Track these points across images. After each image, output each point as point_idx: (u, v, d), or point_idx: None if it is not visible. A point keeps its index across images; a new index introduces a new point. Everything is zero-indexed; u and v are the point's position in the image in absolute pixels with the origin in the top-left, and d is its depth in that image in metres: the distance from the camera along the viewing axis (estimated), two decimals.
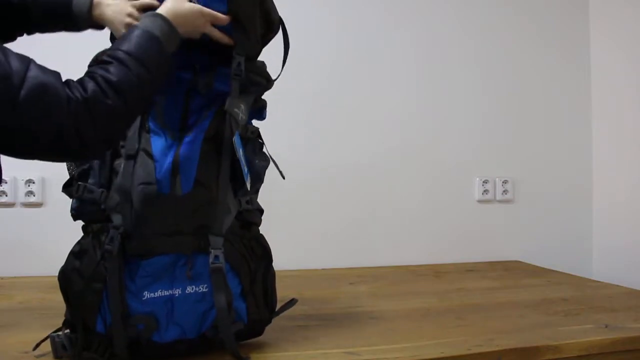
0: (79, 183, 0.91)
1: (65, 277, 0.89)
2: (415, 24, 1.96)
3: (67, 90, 0.73)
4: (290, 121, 1.76)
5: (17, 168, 1.58)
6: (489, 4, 2.03)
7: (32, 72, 0.71)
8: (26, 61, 0.72)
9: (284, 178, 1.03)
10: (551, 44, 2.10)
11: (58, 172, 1.61)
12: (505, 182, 2.02)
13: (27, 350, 0.93)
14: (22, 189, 1.61)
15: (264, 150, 1.04)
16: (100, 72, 0.77)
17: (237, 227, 0.95)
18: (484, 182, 2.00)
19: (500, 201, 2.03)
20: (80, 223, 0.90)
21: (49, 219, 1.62)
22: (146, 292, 0.87)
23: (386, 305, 1.31)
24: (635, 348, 1.08)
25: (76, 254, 0.89)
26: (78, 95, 0.73)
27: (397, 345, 1.00)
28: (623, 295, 1.44)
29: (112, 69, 0.77)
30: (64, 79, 0.74)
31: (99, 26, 0.96)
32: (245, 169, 0.94)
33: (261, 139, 1.04)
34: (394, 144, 1.92)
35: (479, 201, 2.01)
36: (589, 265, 2.08)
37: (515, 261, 1.98)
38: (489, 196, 2.01)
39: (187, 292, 0.89)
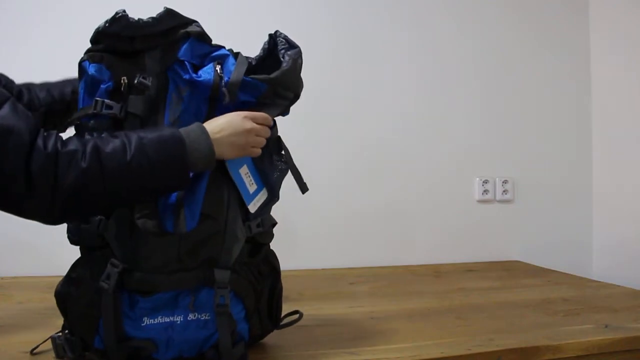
0: None
1: (62, 299, 0.86)
2: (415, 24, 1.95)
3: (39, 141, 0.69)
4: (289, 121, 1.75)
5: None
6: (488, 4, 2.03)
7: (3, 112, 0.67)
8: (2, 99, 0.69)
9: (303, 192, 0.97)
10: (551, 44, 2.10)
11: None
12: (505, 182, 2.02)
13: (27, 351, 0.93)
14: None
15: (283, 157, 0.96)
16: (99, 140, 0.73)
17: (246, 255, 0.91)
18: (484, 182, 2.00)
19: (500, 201, 2.03)
20: None
21: None
22: (146, 318, 0.83)
23: (386, 305, 1.31)
24: (635, 348, 1.08)
25: (73, 280, 0.85)
26: (50, 146, 0.69)
27: (397, 345, 1.00)
28: (623, 295, 1.44)
29: (111, 142, 0.73)
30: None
31: None
32: (247, 190, 0.89)
33: (281, 143, 0.97)
34: (394, 144, 1.91)
35: (479, 201, 2.01)
36: (589, 265, 2.08)
37: (515, 261, 1.98)
38: (489, 196, 2.01)
39: (188, 319, 0.84)
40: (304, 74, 0.97)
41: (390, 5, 1.93)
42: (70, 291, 0.85)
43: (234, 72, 0.86)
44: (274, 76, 0.88)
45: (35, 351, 0.92)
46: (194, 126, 0.81)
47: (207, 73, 0.86)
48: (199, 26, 0.89)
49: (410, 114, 1.94)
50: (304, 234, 1.78)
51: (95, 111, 0.82)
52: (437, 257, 1.92)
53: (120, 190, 0.74)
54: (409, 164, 1.93)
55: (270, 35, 0.95)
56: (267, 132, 0.89)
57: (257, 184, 0.91)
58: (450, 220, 1.96)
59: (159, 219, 0.80)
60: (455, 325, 1.15)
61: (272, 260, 0.97)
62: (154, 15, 0.85)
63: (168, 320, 0.84)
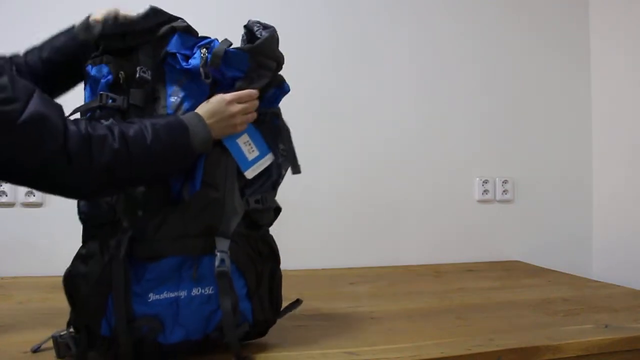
0: None
1: (71, 280, 0.87)
2: (415, 24, 1.95)
3: (72, 126, 0.75)
4: (289, 121, 1.76)
5: None
6: (488, 4, 2.03)
7: (34, 101, 0.73)
8: (30, 90, 0.74)
9: (294, 173, 1.02)
10: (551, 44, 2.10)
11: None
12: (505, 182, 2.02)
13: (27, 351, 0.93)
14: (22, 189, 1.61)
15: (284, 135, 1.02)
16: (120, 125, 0.81)
17: (244, 227, 0.93)
18: (484, 182, 2.00)
19: (500, 201, 2.03)
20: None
21: (48, 219, 1.62)
22: (152, 294, 0.86)
23: (386, 305, 1.31)
24: (635, 348, 1.08)
25: (83, 257, 0.87)
26: (82, 129, 0.76)
27: (397, 345, 1.00)
28: (623, 295, 1.44)
29: (132, 128, 0.81)
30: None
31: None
32: (244, 158, 0.94)
33: (279, 119, 1.02)
34: (394, 144, 1.91)
35: (479, 201, 2.01)
36: (589, 265, 2.08)
37: (515, 261, 1.98)
38: (489, 196, 2.01)
39: (192, 294, 0.88)
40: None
41: (391, 6, 1.93)
42: (80, 270, 0.86)
43: (217, 46, 0.91)
44: (255, 45, 0.93)
45: (36, 351, 0.92)
46: (192, 114, 0.88)
47: (195, 59, 0.91)
48: (185, 22, 0.94)
49: (410, 114, 1.94)
50: (304, 234, 1.78)
51: (100, 104, 0.88)
52: (437, 257, 1.92)
53: (142, 173, 0.82)
54: (408, 163, 1.93)
55: (244, 26, 1.00)
56: (255, 105, 0.94)
57: (259, 150, 0.96)
58: (450, 220, 1.96)
59: (169, 189, 0.88)
60: (455, 325, 1.15)
61: (271, 243, 0.99)
62: (139, 13, 0.91)
63: (173, 295, 0.87)
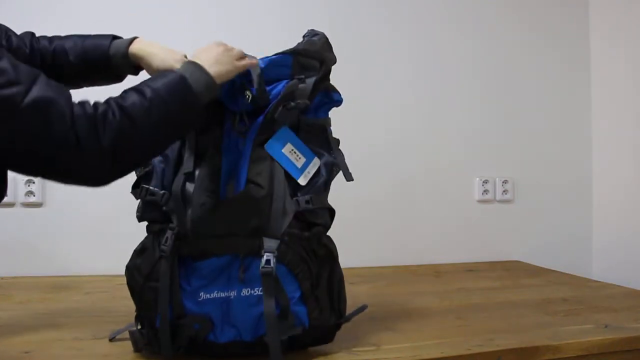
0: (143, 185, 0.91)
1: (129, 274, 0.91)
2: (415, 23, 1.95)
3: (77, 108, 0.72)
4: None
5: None
6: (488, 4, 2.03)
7: (38, 86, 0.71)
8: (34, 74, 0.72)
9: (347, 180, 1.04)
10: (551, 44, 2.10)
11: None
12: (505, 182, 2.02)
13: (27, 351, 0.93)
14: (22, 189, 1.61)
15: (332, 146, 1.04)
16: (116, 97, 0.78)
17: (296, 228, 0.92)
18: (484, 182, 2.00)
19: (500, 201, 2.03)
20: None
21: (48, 219, 1.61)
22: (202, 293, 0.88)
23: (386, 305, 1.31)
24: (635, 348, 1.08)
25: (138, 252, 0.92)
26: (88, 109, 0.73)
27: (397, 345, 1.00)
28: (623, 295, 1.44)
29: (128, 96, 0.77)
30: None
31: (135, 68, 0.99)
32: (294, 166, 0.95)
33: (327, 132, 1.05)
34: (394, 144, 1.91)
35: (479, 201, 2.01)
36: (589, 265, 2.08)
37: (515, 261, 1.98)
38: (489, 196, 2.01)
39: (242, 294, 0.88)
40: None
41: (391, 6, 1.93)
42: (136, 263, 0.91)
43: (253, 73, 0.92)
44: (294, 47, 0.98)
45: (112, 339, 0.98)
46: (187, 63, 0.86)
47: (243, 99, 0.93)
48: None
49: (410, 114, 1.94)
50: None
51: None
52: (437, 257, 1.92)
53: (149, 132, 0.78)
54: (408, 163, 1.93)
55: (303, 35, 1.04)
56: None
57: (305, 156, 0.97)
58: (450, 220, 1.96)
59: (217, 189, 0.89)
60: (455, 325, 1.15)
61: (326, 243, 0.98)
62: None
63: (224, 295, 0.88)
